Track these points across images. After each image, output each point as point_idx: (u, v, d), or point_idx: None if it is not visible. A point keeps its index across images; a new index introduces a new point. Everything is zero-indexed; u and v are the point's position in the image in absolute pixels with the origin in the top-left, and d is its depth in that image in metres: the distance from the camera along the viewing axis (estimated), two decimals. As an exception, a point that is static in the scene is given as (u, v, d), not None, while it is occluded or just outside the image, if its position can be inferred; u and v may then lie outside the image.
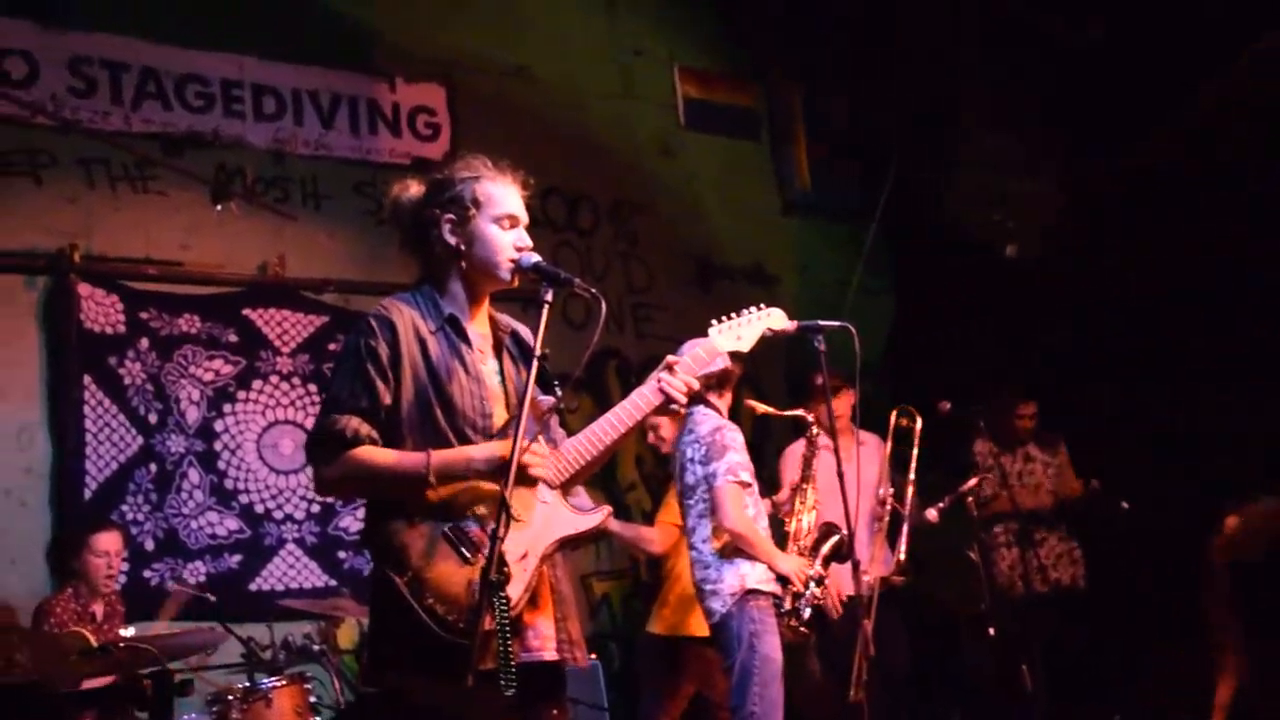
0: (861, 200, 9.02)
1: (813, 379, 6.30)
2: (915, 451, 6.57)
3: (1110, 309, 7.95)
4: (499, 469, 3.08)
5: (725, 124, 9.13)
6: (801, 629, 5.40)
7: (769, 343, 3.75)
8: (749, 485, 5.35)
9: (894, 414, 6.65)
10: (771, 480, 6.59)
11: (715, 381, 5.46)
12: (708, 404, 5.49)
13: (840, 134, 9.28)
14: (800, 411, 6.05)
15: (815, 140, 9.21)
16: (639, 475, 7.94)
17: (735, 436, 5.38)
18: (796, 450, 6.41)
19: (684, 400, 3.38)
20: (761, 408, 5.92)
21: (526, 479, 3.18)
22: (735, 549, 5.26)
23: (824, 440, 6.03)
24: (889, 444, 6.69)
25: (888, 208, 8.76)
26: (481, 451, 3.18)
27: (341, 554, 6.93)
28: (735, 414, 5.65)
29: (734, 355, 3.67)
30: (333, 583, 6.84)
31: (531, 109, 8.08)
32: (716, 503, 5.26)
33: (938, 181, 8.51)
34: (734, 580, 5.22)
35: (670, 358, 3.43)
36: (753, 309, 3.68)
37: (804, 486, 5.84)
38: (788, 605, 5.33)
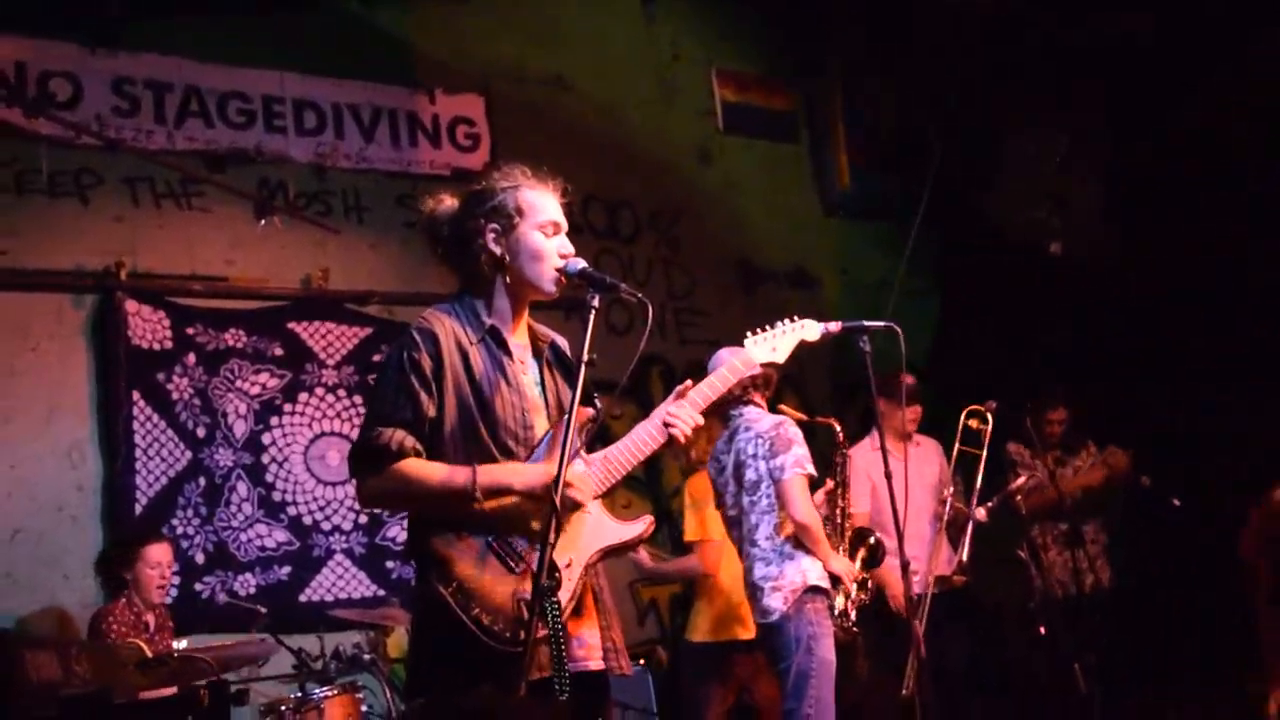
0: (903, 200, 8.98)
1: (895, 379, 6.22)
2: (984, 453, 6.51)
3: (1109, 309, 7.91)
4: (542, 494, 3.08)
5: (764, 127, 9.10)
6: (853, 629, 5.39)
7: (813, 345, 3.77)
8: (814, 478, 5.34)
9: (964, 414, 6.59)
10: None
11: (761, 382, 5.47)
12: (754, 404, 5.48)
13: (880, 134, 9.23)
14: (829, 420, 6.02)
15: (855, 141, 9.15)
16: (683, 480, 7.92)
17: (797, 431, 5.35)
18: (863, 454, 6.40)
19: (689, 437, 3.36)
20: (794, 414, 5.92)
21: (570, 504, 3.17)
22: (799, 542, 5.24)
23: (873, 442, 5.99)
24: (957, 443, 6.62)
25: (929, 207, 8.71)
26: (526, 476, 3.18)
27: (389, 564, 6.96)
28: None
29: (770, 365, 3.70)
30: (381, 592, 6.87)
31: (570, 117, 8.11)
32: (785, 495, 5.22)
33: (979, 179, 8.46)
34: (796, 576, 5.18)
35: (680, 387, 3.42)
36: (787, 321, 3.71)
37: (837, 491, 5.83)
38: (840, 606, 5.32)
